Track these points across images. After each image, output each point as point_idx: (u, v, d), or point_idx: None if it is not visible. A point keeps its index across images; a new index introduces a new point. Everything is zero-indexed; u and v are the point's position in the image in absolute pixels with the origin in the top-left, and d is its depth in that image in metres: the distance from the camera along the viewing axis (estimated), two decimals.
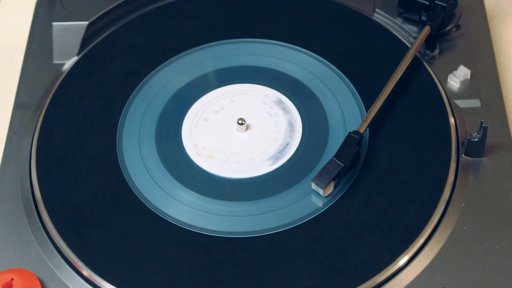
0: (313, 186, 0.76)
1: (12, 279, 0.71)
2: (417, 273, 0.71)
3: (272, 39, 0.89)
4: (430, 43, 0.87)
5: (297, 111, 0.83)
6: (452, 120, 0.81)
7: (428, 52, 0.86)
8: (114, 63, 0.88)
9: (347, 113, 0.82)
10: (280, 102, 0.83)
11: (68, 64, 0.89)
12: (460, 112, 0.82)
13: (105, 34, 0.90)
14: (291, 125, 0.82)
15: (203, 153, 0.81)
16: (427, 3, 0.87)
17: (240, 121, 0.81)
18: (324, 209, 0.76)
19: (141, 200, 0.77)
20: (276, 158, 0.80)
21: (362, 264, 0.71)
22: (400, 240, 0.73)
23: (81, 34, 0.90)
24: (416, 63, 0.85)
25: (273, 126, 0.82)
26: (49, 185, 0.78)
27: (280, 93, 0.84)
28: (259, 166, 0.79)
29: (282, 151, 0.80)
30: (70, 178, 0.79)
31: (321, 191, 0.76)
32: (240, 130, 0.82)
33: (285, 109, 0.83)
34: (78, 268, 0.73)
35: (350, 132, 0.78)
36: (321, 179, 0.75)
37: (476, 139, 0.77)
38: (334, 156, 0.76)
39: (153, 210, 0.76)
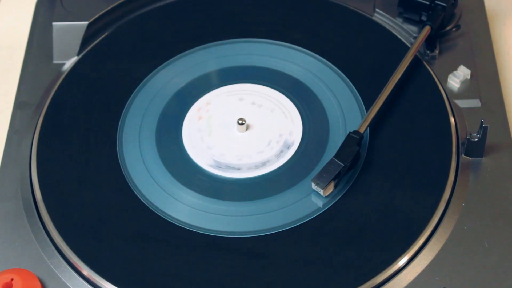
0: (313, 186, 0.76)
1: (12, 279, 0.70)
2: (417, 273, 0.71)
3: (272, 39, 0.89)
4: (430, 43, 0.87)
5: (297, 112, 0.83)
6: (452, 120, 0.81)
7: (428, 52, 0.86)
8: (114, 63, 0.88)
9: (347, 113, 0.82)
10: (288, 145, 0.81)
11: (68, 64, 0.89)
12: (460, 112, 0.82)
13: (105, 34, 0.90)
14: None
15: (203, 110, 0.82)
16: (427, 3, 0.87)
17: (240, 121, 0.81)
18: (324, 209, 0.75)
19: (141, 200, 0.77)
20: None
21: (362, 264, 0.71)
22: (400, 240, 0.73)
23: (81, 34, 0.90)
24: (416, 63, 0.85)
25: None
26: (49, 185, 0.78)
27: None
28: (202, 157, 0.79)
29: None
30: (70, 178, 0.79)
31: (321, 191, 0.76)
32: (240, 129, 0.82)
33: (285, 149, 0.81)
34: (78, 268, 0.73)
35: (350, 132, 0.78)
36: (321, 179, 0.75)
37: (476, 139, 0.77)
38: (334, 156, 0.76)
39: (153, 210, 0.76)
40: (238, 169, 0.79)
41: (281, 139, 0.81)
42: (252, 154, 0.80)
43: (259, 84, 0.86)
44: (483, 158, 0.78)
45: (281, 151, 0.80)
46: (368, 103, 0.82)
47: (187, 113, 0.84)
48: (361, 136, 0.78)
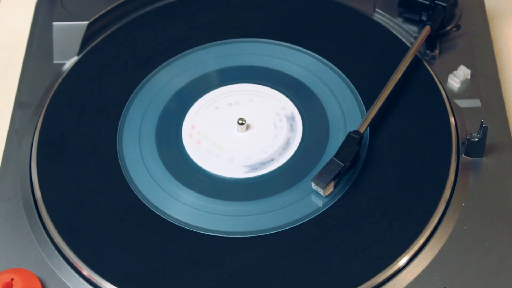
0: (313, 186, 0.76)
1: (12, 279, 0.71)
2: (417, 273, 0.71)
3: (272, 39, 0.89)
4: (430, 43, 0.87)
5: (297, 112, 0.83)
6: (452, 120, 0.81)
7: (428, 52, 0.86)
8: (114, 63, 0.88)
9: (347, 113, 0.82)
10: (292, 118, 0.82)
11: (68, 64, 0.89)
12: (460, 112, 0.82)
13: (105, 34, 0.90)
14: (287, 143, 0.81)
15: (195, 136, 0.81)
16: (428, 3, 0.87)
17: (240, 121, 0.81)
18: (324, 209, 0.76)
19: (141, 200, 0.77)
20: (253, 168, 0.79)
21: (362, 264, 0.71)
22: (400, 240, 0.73)
23: (81, 34, 0.90)
24: (416, 63, 0.85)
25: (271, 138, 0.81)
26: (49, 185, 0.78)
27: (296, 109, 0.83)
28: (236, 169, 0.79)
29: (263, 164, 0.79)
30: (70, 178, 0.79)
31: (321, 191, 0.76)
32: (240, 129, 0.82)
33: (292, 127, 0.81)
34: (78, 268, 0.73)
35: (350, 132, 0.78)
36: (321, 179, 0.75)
37: (476, 139, 0.77)
38: (334, 156, 0.76)
39: (153, 210, 0.76)
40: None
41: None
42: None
43: (259, 84, 0.86)
44: (483, 158, 0.78)
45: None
46: (368, 103, 0.82)
47: (187, 113, 0.84)
48: (361, 136, 0.78)
